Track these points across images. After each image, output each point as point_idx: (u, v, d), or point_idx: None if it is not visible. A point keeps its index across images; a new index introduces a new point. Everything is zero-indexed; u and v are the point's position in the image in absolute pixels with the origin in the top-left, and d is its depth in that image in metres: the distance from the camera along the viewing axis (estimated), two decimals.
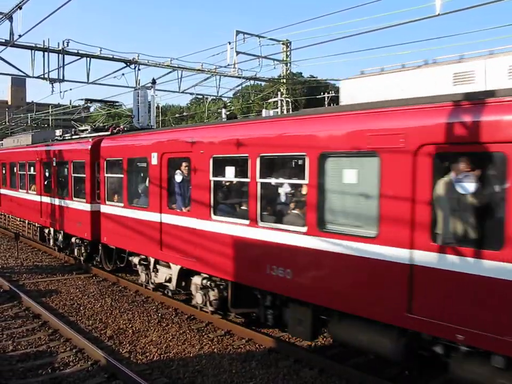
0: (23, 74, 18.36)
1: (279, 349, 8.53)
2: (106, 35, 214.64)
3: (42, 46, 17.40)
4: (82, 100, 17.30)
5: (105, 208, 12.95)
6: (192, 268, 9.70)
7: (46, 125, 44.61)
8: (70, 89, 36.12)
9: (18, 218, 20.96)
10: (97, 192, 13.64)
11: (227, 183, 9.40)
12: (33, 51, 17.43)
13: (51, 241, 17.21)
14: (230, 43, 20.05)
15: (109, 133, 14.49)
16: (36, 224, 18.47)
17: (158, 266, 11.23)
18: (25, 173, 19.32)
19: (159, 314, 10.68)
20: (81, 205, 14.30)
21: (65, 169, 15.57)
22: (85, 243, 14.90)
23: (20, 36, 15.27)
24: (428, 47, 51.81)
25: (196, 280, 9.83)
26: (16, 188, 20.52)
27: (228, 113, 12.05)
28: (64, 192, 15.67)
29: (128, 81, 21.60)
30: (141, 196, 11.76)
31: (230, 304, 9.16)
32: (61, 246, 16.57)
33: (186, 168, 9.92)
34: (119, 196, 12.53)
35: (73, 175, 14.89)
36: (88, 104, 17.37)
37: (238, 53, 20.42)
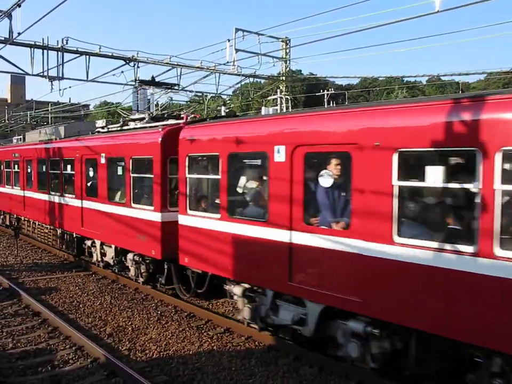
0: (22, 72, 18.28)
1: (279, 346, 8.54)
2: (106, 34, 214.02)
3: (41, 44, 17.31)
4: (135, 81, 15.63)
5: (187, 220, 9.95)
6: (349, 309, 6.99)
7: (45, 123, 44.60)
8: (69, 87, 36.24)
9: (49, 226, 17.84)
10: (169, 197, 11.03)
11: (427, 190, 6.48)
12: (32, 49, 17.35)
13: (95, 255, 14.41)
14: (229, 40, 19.97)
15: (181, 121, 11.39)
16: (74, 234, 15.58)
17: (278, 302, 8.30)
18: (59, 172, 16.25)
19: (159, 312, 10.69)
20: (146, 214, 11.39)
21: (120, 168, 12.66)
22: (147, 261, 12.01)
23: (19, 34, 15.17)
24: (422, 45, 51.88)
25: (353, 325, 7.09)
26: (47, 190, 17.28)
27: (227, 110, 12.06)
28: (118, 196, 12.79)
29: (128, 78, 21.49)
30: (250, 205, 8.98)
31: (412, 363, 6.72)
32: (112, 263, 13.62)
33: (339, 167, 7.34)
34: (210, 203, 9.81)
35: (132, 175, 11.91)
36: (143, 87, 15.94)
37: (237, 50, 20.33)
